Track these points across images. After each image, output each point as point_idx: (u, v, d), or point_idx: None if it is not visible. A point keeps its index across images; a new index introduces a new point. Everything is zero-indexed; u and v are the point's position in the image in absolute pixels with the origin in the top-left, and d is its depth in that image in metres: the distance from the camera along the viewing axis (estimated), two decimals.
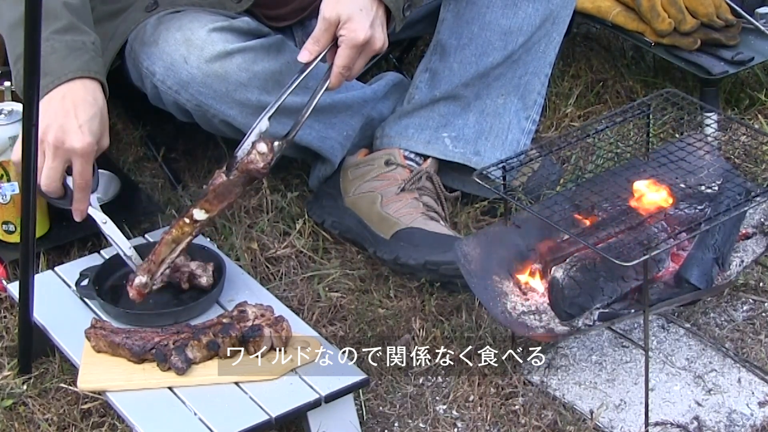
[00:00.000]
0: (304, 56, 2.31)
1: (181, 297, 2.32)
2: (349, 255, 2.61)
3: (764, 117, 3.03)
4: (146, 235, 2.47)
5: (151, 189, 2.78)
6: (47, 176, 2.25)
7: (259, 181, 2.37)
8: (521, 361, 2.32)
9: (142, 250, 2.35)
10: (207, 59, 2.43)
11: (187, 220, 2.27)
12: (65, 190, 2.31)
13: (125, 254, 2.33)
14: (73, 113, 2.24)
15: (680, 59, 2.97)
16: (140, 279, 2.26)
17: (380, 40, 2.31)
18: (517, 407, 2.23)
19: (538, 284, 2.21)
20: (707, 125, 2.89)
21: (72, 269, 2.38)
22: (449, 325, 2.42)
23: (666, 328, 2.40)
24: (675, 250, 2.24)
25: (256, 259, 2.56)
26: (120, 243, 2.34)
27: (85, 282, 2.33)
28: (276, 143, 2.27)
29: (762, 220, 2.31)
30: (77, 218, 2.33)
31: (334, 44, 2.31)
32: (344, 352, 2.27)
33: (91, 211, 2.33)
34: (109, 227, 2.35)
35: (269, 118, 2.30)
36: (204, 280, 2.31)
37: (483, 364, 2.31)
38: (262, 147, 2.25)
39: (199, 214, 2.27)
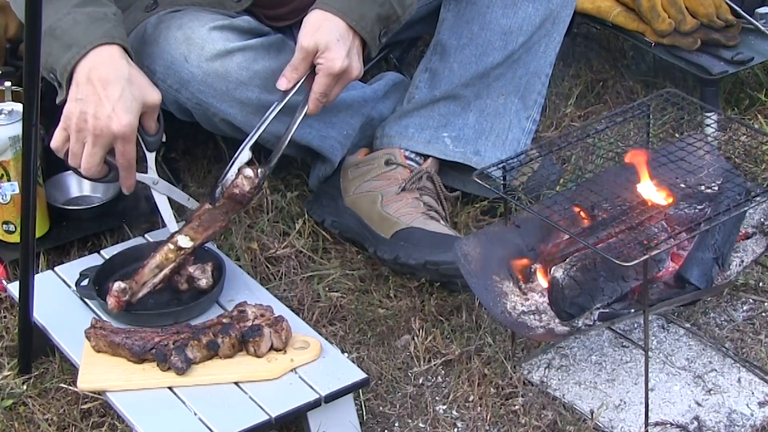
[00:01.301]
0: (282, 84, 2.35)
1: (181, 297, 2.32)
2: (349, 255, 2.61)
3: (764, 117, 3.03)
4: (146, 235, 2.47)
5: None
6: (88, 162, 2.27)
7: (244, 207, 2.39)
8: (521, 361, 2.32)
9: (142, 250, 2.35)
10: (207, 58, 2.43)
11: (171, 247, 2.28)
12: (108, 168, 2.31)
13: (186, 205, 2.36)
14: (104, 96, 2.23)
15: (680, 59, 2.97)
16: (118, 284, 2.24)
17: (356, 69, 2.36)
18: (517, 407, 2.23)
19: (538, 284, 2.21)
20: (707, 125, 2.89)
21: (72, 269, 2.38)
22: (449, 325, 2.42)
23: (666, 328, 2.40)
24: (675, 250, 2.24)
25: (256, 259, 2.56)
26: (177, 197, 2.37)
27: (85, 282, 2.33)
28: (260, 170, 2.30)
29: (762, 220, 2.31)
30: (126, 192, 2.35)
31: (311, 71, 2.35)
32: (344, 352, 2.28)
33: (140, 177, 2.35)
34: (161, 186, 2.37)
35: (250, 148, 2.33)
36: (203, 282, 2.31)
37: (483, 364, 2.31)
38: (249, 172, 2.29)
39: (184, 242, 2.29)
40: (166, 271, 2.28)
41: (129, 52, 2.32)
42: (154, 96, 2.31)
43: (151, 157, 2.37)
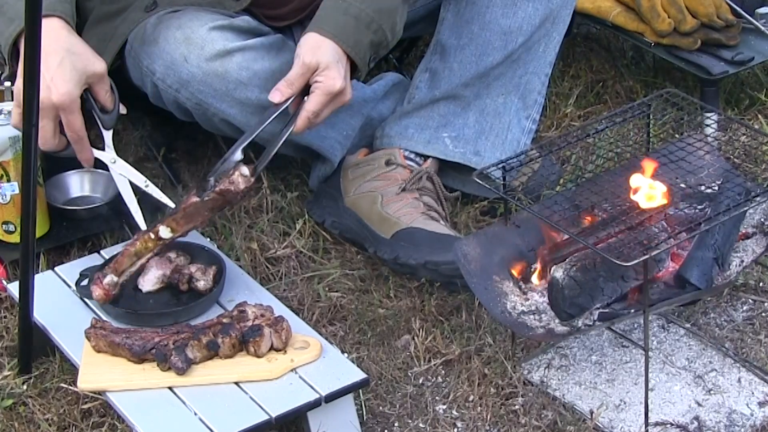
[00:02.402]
0: (276, 97, 2.34)
1: (181, 297, 2.32)
2: (349, 255, 2.61)
3: (764, 117, 3.03)
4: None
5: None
6: (40, 135, 2.21)
7: (231, 206, 2.39)
8: (521, 361, 2.32)
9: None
10: (207, 58, 2.43)
11: (152, 236, 2.28)
12: (67, 141, 2.30)
13: (144, 189, 2.34)
14: (42, 67, 2.23)
15: (680, 59, 2.97)
16: (111, 278, 2.23)
17: (349, 93, 2.37)
18: (517, 407, 2.23)
19: (538, 284, 2.21)
20: (707, 125, 2.89)
21: (72, 269, 2.38)
22: (449, 325, 2.42)
23: (666, 328, 2.40)
24: (675, 250, 2.24)
25: (256, 259, 2.56)
26: (135, 179, 2.35)
27: (85, 282, 2.33)
28: (255, 169, 2.30)
29: (762, 220, 2.31)
30: (85, 165, 2.34)
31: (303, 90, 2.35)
32: (344, 352, 2.28)
33: (97, 154, 2.33)
34: (119, 166, 2.35)
35: (242, 150, 2.32)
36: (201, 284, 2.30)
37: (483, 364, 2.31)
38: (246, 170, 2.27)
39: (164, 232, 2.28)
40: (143, 260, 2.27)
41: (70, 24, 2.29)
42: (97, 65, 2.29)
43: (108, 134, 2.35)
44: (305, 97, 2.34)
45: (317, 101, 2.34)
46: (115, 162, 2.36)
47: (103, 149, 2.36)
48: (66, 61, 2.24)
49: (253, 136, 2.33)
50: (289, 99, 2.34)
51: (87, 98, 2.33)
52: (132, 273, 2.27)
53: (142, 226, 2.36)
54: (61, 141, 2.29)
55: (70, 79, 2.25)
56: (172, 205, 2.37)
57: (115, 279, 2.22)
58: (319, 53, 2.33)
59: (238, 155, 2.31)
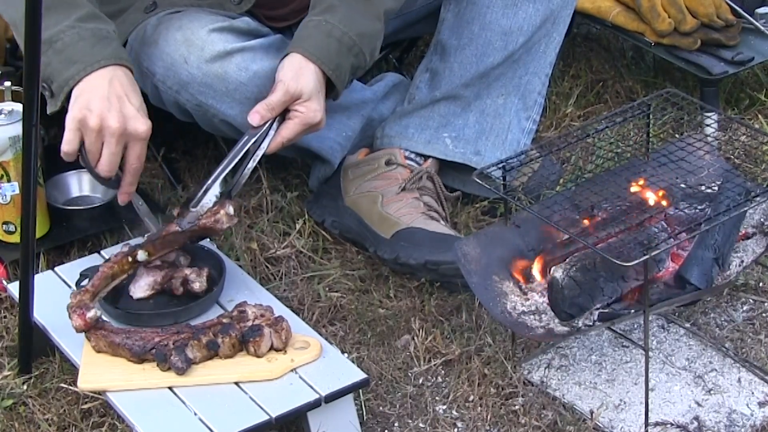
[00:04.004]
0: (255, 119, 2.34)
1: (181, 297, 2.32)
2: (349, 255, 2.61)
3: (764, 117, 3.03)
4: (146, 236, 2.47)
5: (151, 189, 2.78)
6: (108, 161, 2.25)
7: (209, 238, 2.41)
8: (521, 362, 2.32)
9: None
10: (207, 59, 2.43)
11: (129, 259, 2.28)
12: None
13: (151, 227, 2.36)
14: (127, 99, 2.24)
15: (680, 59, 2.97)
16: (95, 312, 2.20)
17: (324, 122, 2.39)
18: (517, 407, 2.23)
19: (538, 284, 2.21)
20: (707, 125, 2.89)
21: (72, 269, 2.38)
22: (449, 325, 2.42)
23: (666, 328, 2.40)
24: (675, 250, 2.24)
25: (256, 259, 2.56)
26: (152, 223, 2.38)
27: (85, 282, 2.32)
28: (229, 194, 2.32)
29: (762, 220, 2.31)
30: (122, 202, 2.35)
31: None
32: (344, 352, 2.28)
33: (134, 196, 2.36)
34: (143, 211, 2.38)
35: (223, 179, 2.32)
36: (197, 285, 2.30)
37: (483, 364, 2.31)
38: (231, 209, 2.30)
39: (142, 256, 2.29)
40: (117, 281, 2.27)
41: (134, 73, 2.33)
42: (149, 123, 2.30)
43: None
44: (277, 119, 2.35)
45: (294, 130, 2.35)
46: (142, 205, 2.39)
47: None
48: (144, 104, 2.28)
49: (233, 164, 2.33)
50: (267, 123, 2.34)
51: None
52: (102, 295, 2.27)
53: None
54: (111, 168, 2.29)
55: (145, 113, 2.27)
56: (154, 230, 2.36)
57: (97, 313, 2.20)
58: (302, 81, 2.33)
59: (218, 186, 2.31)
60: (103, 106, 2.22)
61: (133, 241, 2.42)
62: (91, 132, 2.23)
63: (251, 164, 2.34)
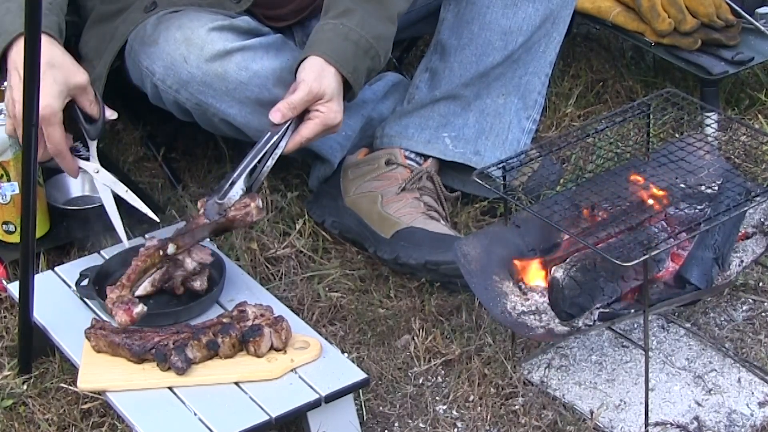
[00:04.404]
0: (277, 117, 2.34)
1: (181, 297, 2.32)
2: (349, 255, 2.61)
3: (764, 117, 3.03)
4: (146, 236, 2.47)
5: (151, 189, 2.78)
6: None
7: (232, 231, 2.42)
8: (521, 362, 2.32)
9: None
10: (207, 58, 2.43)
11: (161, 252, 2.29)
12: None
13: (124, 198, 2.36)
14: (17, 73, 2.25)
15: (680, 59, 2.97)
16: (142, 308, 2.21)
17: (341, 124, 2.39)
18: (517, 407, 2.23)
19: (538, 284, 2.21)
20: (707, 125, 2.89)
21: (72, 269, 2.38)
22: (449, 325, 2.42)
23: (666, 328, 2.40)
24: (675, 250, 2.24)
25: (256, 259, 2.56)
26: (117, 189, 2.37)
27: (85, 282, 2.33)
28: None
29: (762, 220, 2.31)
30: (72, 176, 2.37)
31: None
32: (344, 352, 2.28)
33: (82, 164, 2.35)
34: (102, 176, 2.36)
35: (248, 173, 2.32)
36: (197, 284, 2.30)
37: (483, 364, 2.31)
38: (260, 202, 2.31)
39: (171, 249, 2.29)
40: (148, 275, 2.29)
41: (54, 37, 2.30)
42: (79, 77, 2.30)
43: (92, 144, 2.36)
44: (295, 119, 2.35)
45: (314, 130, 2.35)
46: (98, 172, 2.37)
47: (88, 159, 2.36)
48: (47, 74, 2.24)
49: (258, 158, 2.33)
50: (288, 121, 2.34)
51: (73, 109, 2.34)
52: (145, 288, 2.29)
53: (122, 236, 2.37)
54: (46, 152, 2.30)
55: (50, 93, 2.25)
56: (151, 215, 2.37)
57: (144, 308, 2.21)
58: (324, 82, 2.34)
59: (244, 180, 2.31)
60: (9, 92, 2.27)
61: (134, 242, 2.43)
62: (10, 119, 2.31)
63: (270, 162, 2.34)
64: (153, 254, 2.28)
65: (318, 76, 2.34)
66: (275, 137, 2.34)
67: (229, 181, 2.31)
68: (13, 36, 2.27)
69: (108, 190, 2.39)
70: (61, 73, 2.28)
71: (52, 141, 2.27)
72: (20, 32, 2.25)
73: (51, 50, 2.27)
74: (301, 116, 2.36)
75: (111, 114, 2.38)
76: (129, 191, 2.38)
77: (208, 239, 2.37)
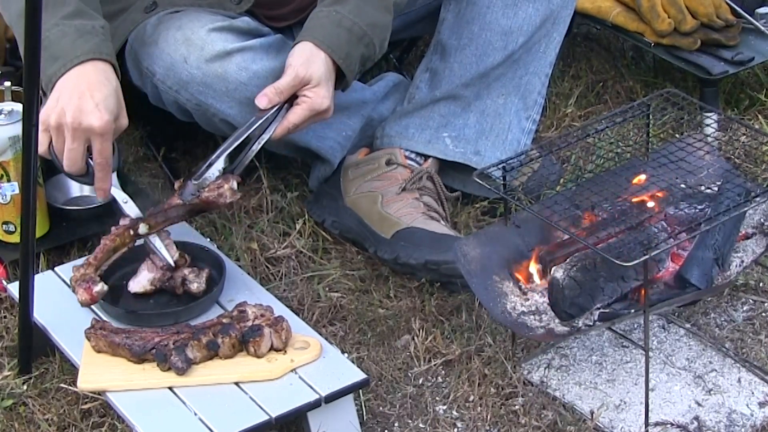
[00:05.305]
0: (263, 102, 2.34)
1: (181, 297, 2.32)
2: (349, 255, 2.61)
3: (764, 117, 3.03)
4: (148, 210, 2.46)
5: (151, 189, 2.78)
6: (69, 158, 2.26)
7: (209, 212, 2.42)
8: (521, 362, 2.32)
9: (142, 250, 2.35)
10: (207, 59, 2.43)
11: (131, 232, 2.29)
12: (88, 168, 2.30)
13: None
14: (89, 94, 2.24)
15: (680, 59, 2.97)
16: (102, 287, 2.22)
17: (331, 111, 2.39)
18: (517, 407, 2.23)
19: (538, 284, 2.21)
20: (707, 125, 2.89)
21: (72, 269, 2.38)
22: (449, 325, 2.42)
23: (666, 328, 2.40)
24: (675, 250, 2.24)
25: (256, 259, 2.56)
26: (133, 213, 2.35)
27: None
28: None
29: (762, 220, 2.31)
30: (100, 197, 2.35)
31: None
32: (344, 352, 2.28)
33: (113, 191, 2.35)
34: (129, 207, 2.35)
35: (227, 155, 2.32)
36: (195, 286, 2.30)
37: (483, 364, 2.31)
38: (234, 184, 2.30)
39: (143, 229, 2.29)
40: (117, 254, 2.28)
41: (116, 68, 2.32)
42: (125, 121, 2.30)
43: (113, 175, 2.36)
44: (285, 105, 2.35)
45: (301, 115, 2.35)
46: (126, 203, 2.37)
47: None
48: (112, 97, 2.26)
49: (238, 141, 2.33)
50: (275, 106, 2.34)
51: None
52: (105, 267, 2.28)
53: (168, 259, 2.34)
54: (83, 166, 2.29)
55: (112, 112, 2.26)
56: (169, 260, 2.34)
57: (104, 287, 2.22)
58: (312, 67, 2.34)
59: (223, 162, 2.31)
60: (64, 103, 2.23)
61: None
62: (52, 130, 2.25)
63: (256, 147, 2.34)
64: (123, 233, 2.27)
65: (306, 60, 2.34)
66: (260, 122, 2.34)
67: (207, 163, 2.32)
68: (74, 63, 2.26)
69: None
70: (118, 105, 2.28)
71: (105, 154, 2.26)
72: (83, 58, 2.25)
73: (117, 82, 2.29)
74: (292, 102, 2.36)
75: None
76: (128, 198, 2.37)
77: (203, 238, 2.37)
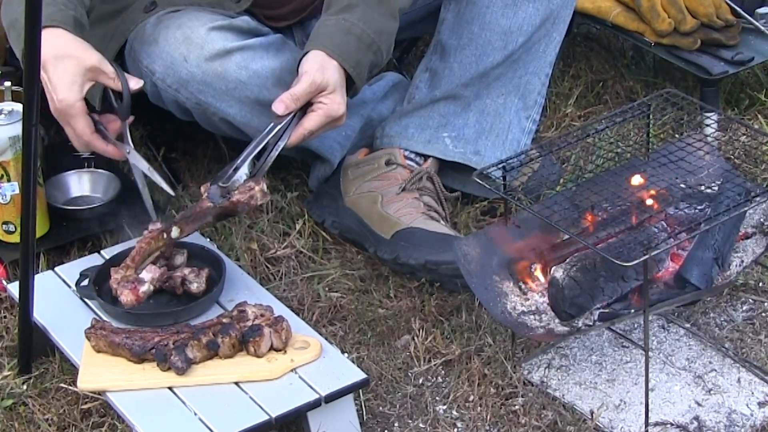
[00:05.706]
0: (280, 108, 2.34)
1: (181, 297, 2.32)
2: (349, 255, 2.61)
3: (764, 117, 3.03)
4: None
5: (151, 189, 2.77)
6: (73, 142, 2.31)
7: (237, 216, 2.43)
8: (521, 362, 2.32)
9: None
10: (206, 58, 2.43)
11: (164, 235, 2.30)
12: (103, 136, 2.34)
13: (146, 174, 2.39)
14: (45, 79, 2.24)
15: (680, 59, 2.97)
16: (148, 287, 2.25)
17: (345, 117, 2.39)
18: (517, 407, 2.23)
19: (538, 284, 2.21)
20: (707, 125, 2.89)
21: (72, 269, 2.38)
22: (449, 325, 2.42)
23: (666, 328, 2.40)
24: (675, 250, 2.24)
25: (256, 259, 2.56)
26: (142, 166, 2.39)
27: (85, 282, 2.33)
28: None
29: (762, 220, 2.31)
30: (119, 159, 2.40)
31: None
32: (344, 352, 2.28)
33: (135, 159, 2.39)
34: (132, 156, 2.38)
35: (251, 161, 2.33)
36: (194, 286, 2.30)
37: (483, 364, 2.31)
38: (264, 186, 2.30)
39: (175, 232, 2.31)
40: (152, 257, 2.30)
41: (69, 30, 2.29)
42: (89, 59, 2.28)
43: (125, 125, 2.37)
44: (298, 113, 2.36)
45: (317, 122, 2.35)
46: (129, 153, 2.37)
47: (122, 140, 2.38)
48: (58, 67, 2.24)
49: (261, 145, 2.34)
50: (290, 114, 2.34)
51: (106, 93, 2.36)
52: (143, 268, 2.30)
53: (152, 215, 2.41)
54: (90, 140, 2.32)
55: (63, 86, 2.25)
56: (167, 188, 2.39)
57: (150, 288, 2.24)
58: (327, 74, 2.34)
59: (248, 166, 2.32)
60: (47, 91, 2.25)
61: (134, 242, 2.43)
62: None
63: (274, 153, 2.35)
64: (157, 237, 2.29)
65: (320, 67, 2.34)
66: (278, 128, 2.34)
67: (233, 167, 2.32)
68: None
69: (140, 171, 2.40)
70: (71, 62, 2.26)
71: (77, 132, 2.28)
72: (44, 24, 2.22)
73: (56, 42, 2.26)
74: (305, 111, 2.36)
75: (136, 84, 2.35)
76: (151, 168, 2.39)
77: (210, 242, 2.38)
